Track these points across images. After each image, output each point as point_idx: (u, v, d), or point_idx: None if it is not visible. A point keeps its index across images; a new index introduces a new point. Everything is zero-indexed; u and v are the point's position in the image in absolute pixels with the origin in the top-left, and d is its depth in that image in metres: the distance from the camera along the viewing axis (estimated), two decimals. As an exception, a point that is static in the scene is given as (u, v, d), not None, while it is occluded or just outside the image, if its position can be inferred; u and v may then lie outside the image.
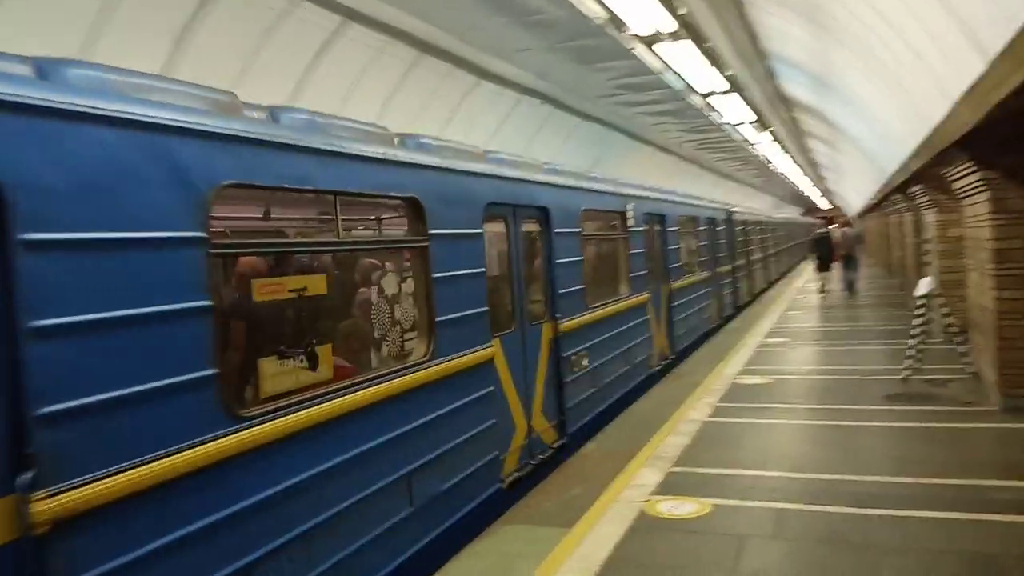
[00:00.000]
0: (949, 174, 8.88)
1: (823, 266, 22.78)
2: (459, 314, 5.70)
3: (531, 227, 7.42)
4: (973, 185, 8.09)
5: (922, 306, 9.85)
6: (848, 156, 20.39)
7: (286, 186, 4.21)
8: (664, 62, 12.22)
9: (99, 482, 2.96)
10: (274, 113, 4.52)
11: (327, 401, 4.23)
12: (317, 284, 4.68)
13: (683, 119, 20.95)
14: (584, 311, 8.21)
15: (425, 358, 5.29)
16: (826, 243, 22.93)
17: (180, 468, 3.27)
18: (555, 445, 7.39)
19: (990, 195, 7.69)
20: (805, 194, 59.82)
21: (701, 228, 15.32)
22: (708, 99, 16.82)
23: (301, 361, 4.28)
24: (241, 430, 3.61)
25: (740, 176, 40.36)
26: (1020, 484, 5.62)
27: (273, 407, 3.89)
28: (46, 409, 2.82)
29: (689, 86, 14.43)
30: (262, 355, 4.10)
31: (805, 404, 8.80)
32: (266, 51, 9.46)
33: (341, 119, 5.12)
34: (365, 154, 4.82)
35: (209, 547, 3.45)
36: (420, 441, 5.11)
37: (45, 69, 3.23)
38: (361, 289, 5.76)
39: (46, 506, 2.77)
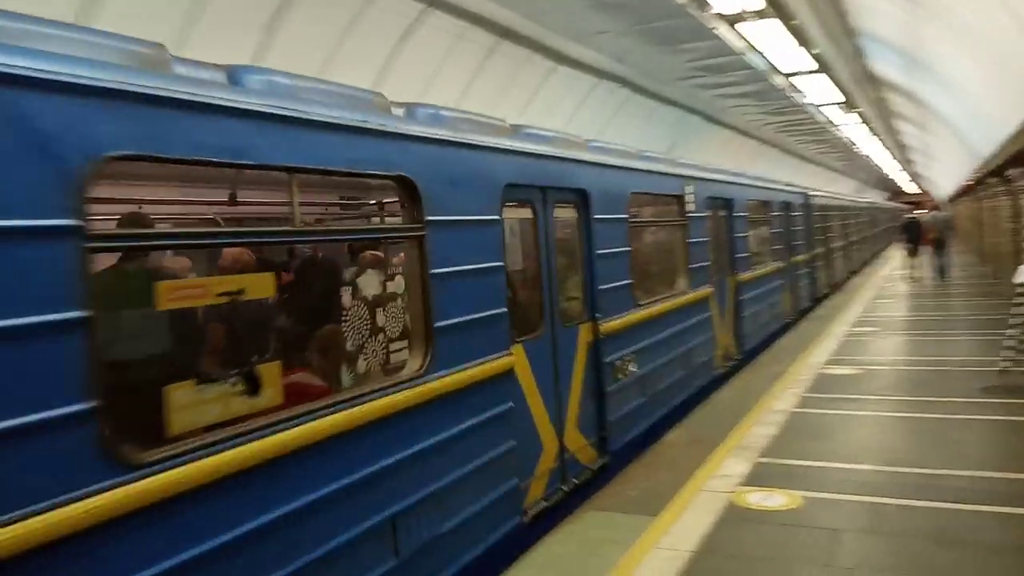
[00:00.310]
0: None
1: (913, 251, 22.05)
2: (466, 318, 4.74)
3: (566, 213, 6.44)
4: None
5: (1022, 294, 9.32)
6: (939, 138, 19.55)
7: (213, 160, 3.27)
8: (748, 41, 11.95)
9: None
10: (234, 74, 3.67)
11: (270, 435, 3.31)
12: (260, 285, 3.81)
13: (764, 101, 20.50)
14: (631, 309, 7.21)
15: (419, 373, 4.33)
16: (915, 227, 22.20)
17: (39, 533, 2.44)
18: (594, 466, 6.42)
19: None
20: (891, 178, 57.65)
21: (774, 214, 14.24)
22: (791, 79, 16.38)
23: (234, 384, 3.39)
24: (134, 480, 2.74)
25: (822, 160, 39.19)
26: None
27: (189, 446, 3.00)
28: None
29: (773, 66, 14.09)
30: (172, 380, 3.16)
31: (897, 396, 8.49)
32: (350, 40, 9.65)
33: (329, 83, 4.32)
34: (333, 121, 3.82)
35: None
36: (407, 477, 4.16)
37: None
38: (331, 290, 4.96)
39: None
